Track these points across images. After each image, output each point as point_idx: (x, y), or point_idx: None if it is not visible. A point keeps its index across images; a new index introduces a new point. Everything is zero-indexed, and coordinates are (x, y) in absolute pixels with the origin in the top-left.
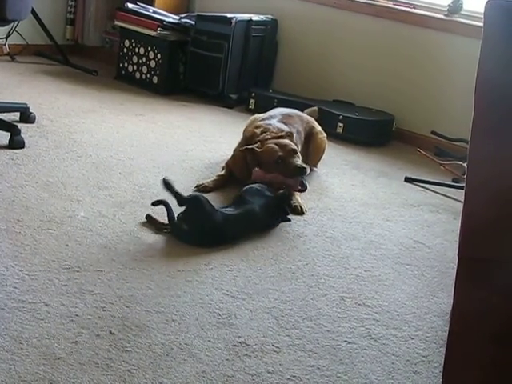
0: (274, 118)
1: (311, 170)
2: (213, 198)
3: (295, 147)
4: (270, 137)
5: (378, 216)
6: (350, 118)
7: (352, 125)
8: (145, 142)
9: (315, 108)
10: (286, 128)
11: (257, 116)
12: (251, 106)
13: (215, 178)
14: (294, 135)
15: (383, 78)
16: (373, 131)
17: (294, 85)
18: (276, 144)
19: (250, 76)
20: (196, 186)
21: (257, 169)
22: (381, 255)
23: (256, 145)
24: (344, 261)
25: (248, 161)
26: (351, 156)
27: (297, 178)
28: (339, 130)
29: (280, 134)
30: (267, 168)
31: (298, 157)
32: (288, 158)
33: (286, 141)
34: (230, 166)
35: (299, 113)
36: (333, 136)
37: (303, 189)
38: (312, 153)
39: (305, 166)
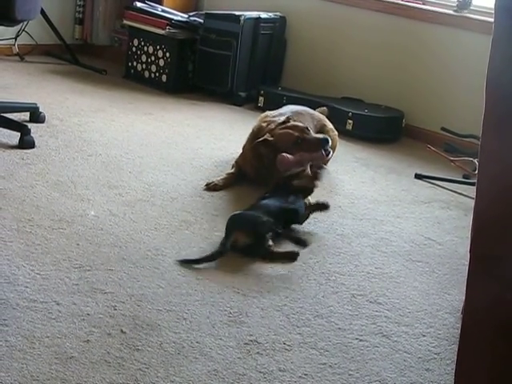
0: (284, 116)
1: (321, 167)
2: (222, 196)
3: (304, 125)
4: (274, 126)
5: (388, 213)
6: (359, 115)
7: (361, 121)
8: (154, 141)
9: (325, 108)
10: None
11: (268, 113)
12: (260, 104)
13: (225, 176)
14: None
15: (392, 75)
16: (382, 128)
17: (302, 82)
18: (286, 128)
19: (259, 74)
20: (206, 185)
21: (283, 154)
22: (392, 252)
23: (266, 136)
24: (355, 258)
25: (264, 154)
26: (361, 153)
27: (321, 150)
28: (349, 126)
29: (283, 120)
30: (288, 152)
31: (311, 133)
32: (305, 135)
33: (293, 123)
34: (239, 163)
35: (310, 110)
36: (342, 133)
37: (327, 154)
38: None
39: (323, 135)
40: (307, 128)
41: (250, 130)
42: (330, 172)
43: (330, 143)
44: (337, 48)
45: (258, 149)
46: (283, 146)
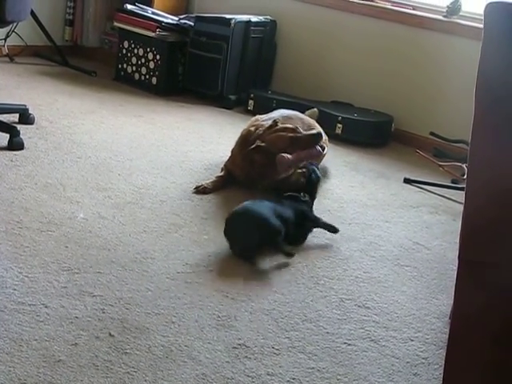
0: (271, 118)
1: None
2: (211, 199)
3: (292, 125)
4: (262, 131)
5: (377, 217)
6: (348, 119)
7: (351, 126)
8: (144, 143)
9: (315, 110)
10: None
11: (258, 117)
12: (250, 107)
13: (214, 179)
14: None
15: (382, 79)
16: (372, 132)
17: (292, 86)
18: (277, 131)
19: (249, 77)
20: (195, 188)
21: (282, 154)
22: (380, 257)
23: (257, 142)
24: (344, 262)
25: (257, 160)
26: (350, 157)
27: (316, 146)
28: (338, 130)
29: (270, 124)
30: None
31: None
32: (297, 134)
33: (282, 125)
34: (228, 167)
35: (300, 115)
36: (332, 137)
37: (323, 149)
38: None
39: (316, 130)
40: (296, 127)
41: (239, 134)
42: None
43: (325, 137)
44: (327, 52)
45: (251, 156)
46: (278, 149)
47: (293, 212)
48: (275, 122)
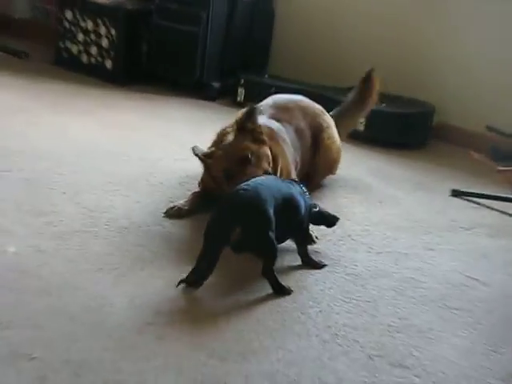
0: (264, 112)
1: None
2: (188, 224)
3: (248, 152)
4: (225, 139)
5: (415, 244)
6: (374, 111)
7: (377, 120)
8: (96, 151)
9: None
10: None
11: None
12: (240, 98)
13: (191, 197)
14: (283, 135)
15: (416, 56)
16: (405, 128)
17: (297, 68)
18: (225, 149)
19: (238, 57)
20: (167, 210)
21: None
22: (421, 297)
23: (210, 150)
24: (371, 306)
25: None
26: (377, 162)
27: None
28: (360, 127)
29: (235, 132)
30: (219, 186)
31: (260, 165)
32: (237, 171)
33: (243, 143)
34: (204, 180)
35: (304, 102)
36: (351, 136)
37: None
38: (318, 163)
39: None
40: (247, 159)
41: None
42: (334, 188)
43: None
44: (340, 22)
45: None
46: (213, 173)
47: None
48: (250, 129)
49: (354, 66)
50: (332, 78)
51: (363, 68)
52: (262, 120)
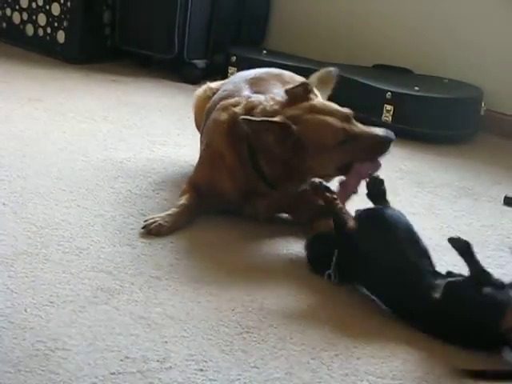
0: (237, 88)
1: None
2: (169, 243)
3: (347, 110)
4: (275, 106)
5: (460, 265)
6: (405, 96)
7: (409, 107)
8: (46, 148)
9: (331, 69)
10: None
11: (206, 88)
12: None
13: (175, 209)
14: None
15: (458, 28)
16: (446, 117)
17: (304, 41)
18: (316, 111)
19: (228, 29)
20: (143, 227)
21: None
22: None
23: (280, 118)
24: None
25: (272, 149)
26: (409, 161)
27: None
28: (387, 116)
29: (292, 90)
30: (321, 161)
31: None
32: (352, 127)
33: (328, 104)
34: (197, 183)
35: (275, 71)
36: (377, 126)
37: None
38: None
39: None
40: (351, 114)
41: (211, 120)
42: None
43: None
44: None
45: (263, 137)
46: (318, 144)
47: None
48: (306, 87)
49: (376, 40)
50: (351, 54)
51: (389, 43)
52: (250, 95)
